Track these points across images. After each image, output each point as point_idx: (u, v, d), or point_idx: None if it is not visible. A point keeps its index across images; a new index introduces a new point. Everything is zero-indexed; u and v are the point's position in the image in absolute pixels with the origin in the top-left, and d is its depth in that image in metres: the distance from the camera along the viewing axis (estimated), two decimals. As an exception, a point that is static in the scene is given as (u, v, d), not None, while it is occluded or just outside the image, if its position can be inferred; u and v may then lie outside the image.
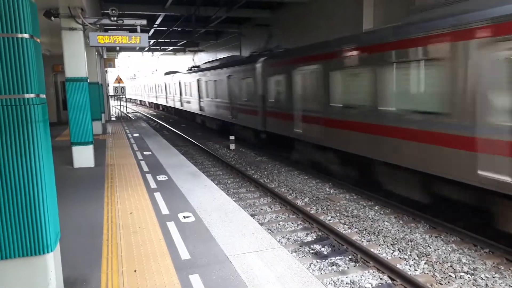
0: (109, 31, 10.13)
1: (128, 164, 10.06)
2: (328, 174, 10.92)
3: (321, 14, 18.01)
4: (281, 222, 7.82)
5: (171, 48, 42.02)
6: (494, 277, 5.47)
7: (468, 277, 5.47)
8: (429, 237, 6.85)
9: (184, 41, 35.12)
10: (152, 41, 32.23)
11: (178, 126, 25.94)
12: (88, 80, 10.29)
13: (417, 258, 6.08)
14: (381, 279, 5.48)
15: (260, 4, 21.40)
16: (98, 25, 10.18)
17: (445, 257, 6.08)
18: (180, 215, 5.99)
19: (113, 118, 26.84)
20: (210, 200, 6.78)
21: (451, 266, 5.80)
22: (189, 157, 14.39)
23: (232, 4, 19.44)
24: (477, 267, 5.74)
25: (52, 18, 9.49)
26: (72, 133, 9.82)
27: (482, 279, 5.41)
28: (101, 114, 17.91)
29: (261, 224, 7.64)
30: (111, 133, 16.94)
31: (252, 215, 8.17)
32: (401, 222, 7.59)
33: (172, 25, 24.98)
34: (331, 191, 9.79)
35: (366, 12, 14.61)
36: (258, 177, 11.50)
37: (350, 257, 6.18)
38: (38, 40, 3.47)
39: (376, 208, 8.43)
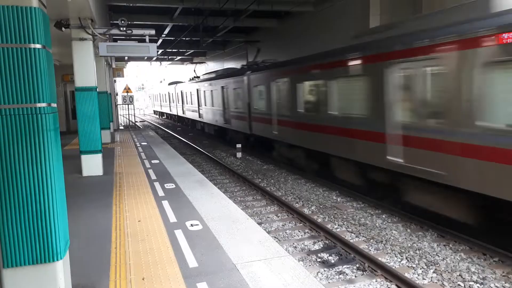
0: (118, 41, 10.28)
1: (136, 172, 10.13)
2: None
3: (326, 23, 18.13)
4: (288, 231, 7.81)
5: (179, 57, 42.41)
6: (504, 286, 5.40)
7: (478, 287, 5.41)
8: (437, 245, 6.80)
9: (192, 51, 35.44)
10: (160, 51, 32.56)
11: (185, 135, 26.08)
12: (97, 90, 10.43)
13: (425, 267, 6.03)
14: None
15: (267, 13, 21.59)
16: (107, 35, 10.34)
17: (453, 266, 6.03)
18: (188, 223, 6.02)
19: (121, 127, 27.07)
20: (217, 208, 6.81)
21: (460, 275, 5.74)
22: (196, 165, 14.45)
23: (239, 14, 19.64)
24: (486, 276, 5.67)
25: (63, 28, 9.66)
26: (81, 142, 9.94)
27: (492, 288, 5.36)
28: (110, 123, 18.10)
29: (268, 232, 7.63)
30: (119, 142, 17.09)
31: (259, 223, 8.17)
32: (408, 230, 7.54)
33: (180, 35, 25.26)
34: (338, 199, 9.76)
35: (372, 20, 14.67)
36: (265, 185, 11.50)
37: (357, 265, 6.15)
38: (50, 51, 3.55)
39: (384, 216, 8.38)
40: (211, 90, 21.70)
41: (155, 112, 54.80)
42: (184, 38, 26.21)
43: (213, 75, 22.77)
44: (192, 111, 27.88)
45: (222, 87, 19.61)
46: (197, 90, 25.26)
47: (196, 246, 5.13)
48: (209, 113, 22.76)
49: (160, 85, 51.17)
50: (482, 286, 5.43)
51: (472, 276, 5.68)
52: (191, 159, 16.03)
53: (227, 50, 31.26)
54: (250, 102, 16.04)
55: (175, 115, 36.95)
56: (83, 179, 9.62)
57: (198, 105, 25.38)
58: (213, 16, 20.70)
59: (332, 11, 17.71)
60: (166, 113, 43.20)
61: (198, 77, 28.21)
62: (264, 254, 4.84)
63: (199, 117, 25.81)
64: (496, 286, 5.41)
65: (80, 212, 6.78)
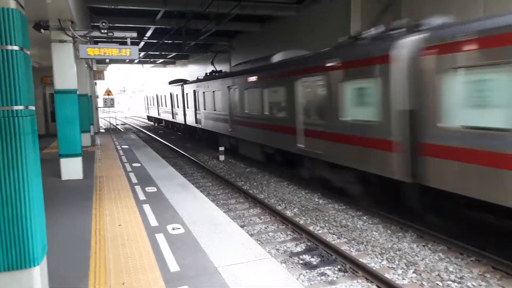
0: (99, 43, 10.16)
1: (117, 176, 10.00)
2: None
3: (308, 28, 18.31)
4: (270, 233, 7.84)
5: (161, 60, 42.15)
6: (480, 285, 5.54)
7: (455, 286, 5.53)
8: (416, 246, 6.93)
9: (174, 54, 35.27)
10: (142, 54, 32.30)
11: (168, 138, 25.90)
12: (78, 92, 10.27)
13: (405, 267, 6.14)
14: (369, 288, 5.52)
15: (250, 17, 21.68)
16: (88, 38, 10.21)
17: (432, 265, 6.15)
18: (169, 227, 5.98)
19: (102, 130, 26.68)
20: (199, 211, 6.78)
21: (438, 274, 5.86)
22: (178, 168, 14.36)
23: (222, 17, 19.66)
24: (464, 275, 5.81)
25: (42, 30, 9.50)
26: (61, 145, 9.76)
27: (469, 287, 5.48)
28: (90, 126, 17.82)
29: (251, 235, 7.64)
30: (100, 145, 16.84)
31: (242, 226, 8.17)
32: (389, 231, 7.66)
33: (162, 37, 25.12)
34: (320, 202, 9.84)
35: (353, 27, 14.89)
36: (248, 188, 11.51)
37: (339, 267, 6.21)
38: (28, 52, 3.49)
39: (365, 218, 8.49)
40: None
41: (149, 118, 43.25)
42: (166, 41, 26.08)
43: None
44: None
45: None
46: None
47: (177, 250, 5.11)
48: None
49: (161, 85, 35.49)
50: (459, 285, 5.55)
51: (450, 276, 5.81)
52: (173, 162, 15.91)
53: (209, 53, 31.28)
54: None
55: (155, 117, 34.59)
56: (62, 183, 9.44)
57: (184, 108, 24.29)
58: (196, 19, 20.67)
59: (314, 17, 17.90)
60: (168, 121, 32.34)
61: (184, 80, 26.98)
62: (246, 257, 4.85)
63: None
64: (473, 285, 5.54)
65: (59, 217, 6.66)
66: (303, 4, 18.51)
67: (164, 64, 46.05)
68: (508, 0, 10.43)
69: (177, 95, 26.07)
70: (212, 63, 23.17)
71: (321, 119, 9.88)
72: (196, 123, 21.81)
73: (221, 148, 16.72)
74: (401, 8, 14.00)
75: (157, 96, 34.25)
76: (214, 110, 18.26)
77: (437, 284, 5.59)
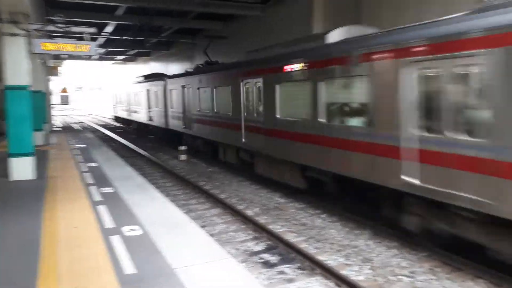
0: (55, 38, 9.74)
1: (72, 176, 9.63)
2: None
3: (271, 28, 18.43)
4: (231, 233, 7.83)
5: (123, 57, 41.09)
6: (431, 279, 5.80)
7: (407, 280, 5.76)
8: (373, 242, 7.15)
9: (136, 51, 34.49)
10: (103, 50, 31.32)
11: (127, 136, 25.26)
12: (31, 89, 9.78)
13: (361, 264, 6.32)
14: (327, 285, 5.63)
15: (213, 16, 21.54)
16: (42, 32, 9.75)
17: (387, 261, 6.37)
18: (126, 229, 5.82)
19: (57, 129, 25.60)
20: (158, 212, 6.66)
21: (392, 270, 6.08)
22: (137, 168, 14.02)
23: (185, 15, 19.43)
24: (415, 270, 6.06)
25: (-7, 23, 8.98)
26: (11, 144, 9.27)
27: (420, 281, 5.73)
28: (44, 124, 17.05)
29: (212, 235, 7.58)
30: (54, 144, 16.15)
31: (203, 227, 8.10)
32: (347, 229, 7.86)
33: (124, 34, 24.48)
34: (281, 200, 9.94)
35: (316, 27, 15.15)
36: (209, 188, 11.43)
37: (298, 265, 6.30)
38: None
39: (323, 216, 8.67)
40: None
41: (117, 119, 36.25)
42: (128, 38, 25.42)
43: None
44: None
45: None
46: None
47: (134, 252, 4.98)
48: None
49: (133, 80, 28.89)
50: (411, 279, 5.78)
51: (402, 271, 6.04)
52: (131, 162, 15.51)
53: (172, 50, 30.82)
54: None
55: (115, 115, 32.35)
56: (11, 184, 8.97)
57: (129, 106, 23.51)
58: (159, 16, 20.30)
59: (278, 16, 18.04)
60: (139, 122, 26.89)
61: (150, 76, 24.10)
62: (205, 257, 4.80)
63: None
64: (423, 279, 5.79)
65: (7, 220, 6.31)
66: (268, 4, 18.60)
67: (125, 61, 44.91)
68: None
69: (156, 92, 21.44)
70: (205, 52, 18.29)
71: None
72: (185, 127, 17.27)
73: (182, 148, 16.47)
74: (360, 10, 14.38)
75: (127, 94, 29.19)
76: (215, 111, 13.89)
77: (391, 279, 5.80)
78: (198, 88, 15.36)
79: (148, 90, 23.22)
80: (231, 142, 12.66)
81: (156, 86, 21.58)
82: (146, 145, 20.90)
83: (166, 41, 28.48)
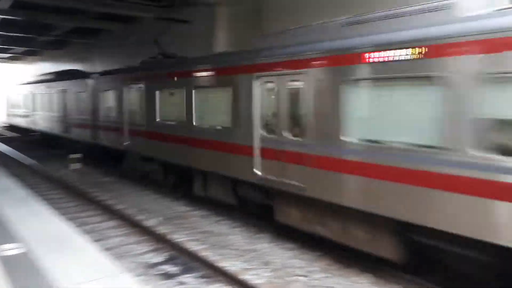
0: None
1: None
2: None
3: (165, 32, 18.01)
4: (129, 245, 7.40)
5: (8, 55, 36.92)
6: (326, 277, 6.14)
7: (304, 279, 6.03)
8: (274, 245, 7.35)
9: (24, 49, 31.18)
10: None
11: (11, 143, 22.55)
12: None
13: (262, 267, 6.44)
14: (229, 292, 5.62)
15: (112, 16, 20.40)
16: None
17: (286, 263, 6.59)
18: (4, 247, 5.12)
19: None
20: (43, 228, 5.98)
21: (290, 271, 6.30)
22: (20, 179, 12.55)
23: (81, 14, 18.10)
24: (311, 269, 6.37)
25: None
26: None
27: (315, 279, 6.03)
28: None
29: (107, 249, 7.08)
30: None
31: (97, 240, 7.52)
32: (249, 234, 7.97)
33: (10, 30, 22.01)
34: (184, 209, 9.72)
35: (219, 35, 15.19)
36: (105, 198, 10.70)
37: (201, 273, 6.18)
38: None
39: (226, 222, 8.68)
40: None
41: (13, 129, 29.52)
42: (16, 34, 22.89)
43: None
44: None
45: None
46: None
47: (13, 273, 4.38)
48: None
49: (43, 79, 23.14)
50: (307, 278, 6.07)
51: (299, 271, 6.30)
52: (15, 172, 13.84)
53: (66, 50, 28.52)
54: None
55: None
56: None
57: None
58: (51, 13, 18.57)
59: (176, 22, 17.71)
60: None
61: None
62: (97, 274, 4.42)
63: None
64: (319, 277, 6.11)
65: None
66: (164, 8, 18.12)
67: (11, 60, 40.28)
68: None
69: (79, 94, 16.60)
70: (156, 42, 14.16)
71: None
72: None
73: (73, 156, 15.12)
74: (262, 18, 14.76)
75: (33, 96, 23.25)
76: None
77: (289, 279, 6.01)
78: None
79: (63, 91, 18.65)
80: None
81: (76, 86, 17.15)
82: (34, 154, 18.83)
83: (60, 40, 26.21)
